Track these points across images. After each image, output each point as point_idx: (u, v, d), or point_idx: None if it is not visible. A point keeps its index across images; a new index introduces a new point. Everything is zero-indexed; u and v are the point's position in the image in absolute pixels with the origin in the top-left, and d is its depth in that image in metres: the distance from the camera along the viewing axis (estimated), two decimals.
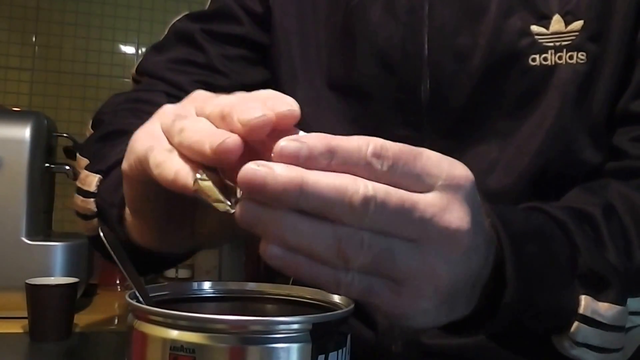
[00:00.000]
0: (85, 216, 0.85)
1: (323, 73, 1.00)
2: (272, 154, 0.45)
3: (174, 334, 0.48)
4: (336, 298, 0.59)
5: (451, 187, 0.49)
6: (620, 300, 0.68)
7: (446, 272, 0.50)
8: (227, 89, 0.55)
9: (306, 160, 0.44)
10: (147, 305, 0.52)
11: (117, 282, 1.95)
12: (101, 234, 0.57)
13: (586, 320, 0.66)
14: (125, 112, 0.96)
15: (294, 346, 0.47)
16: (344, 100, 0.98)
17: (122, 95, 1.03)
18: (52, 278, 1.39)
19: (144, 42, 2.64)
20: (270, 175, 0.43)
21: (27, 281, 1.30)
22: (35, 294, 1.30)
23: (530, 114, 0.89)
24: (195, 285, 0.64)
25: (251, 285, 0.65)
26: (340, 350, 0.51)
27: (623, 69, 0.87)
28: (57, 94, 2.54)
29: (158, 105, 0.57)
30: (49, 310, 1.29)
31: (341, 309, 0.55)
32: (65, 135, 1.81)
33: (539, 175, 0.88)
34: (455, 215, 0.49)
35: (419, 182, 0.48)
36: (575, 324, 0.66)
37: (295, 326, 0.48)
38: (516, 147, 0.89)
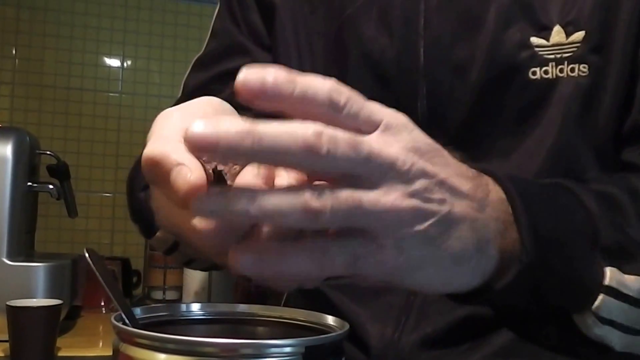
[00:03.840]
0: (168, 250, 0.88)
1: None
2: (235, 86, 0.47)
3: (162, 357, 0.48)
4: (330, 320, 0.60)
5: (395, 125, 0.52)
6: None
7: None
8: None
9: (272, 88, 0.46)
10: (133, 327, 0.52)
11: (102, 304, 1.96)
12: (86, 254, 0.58)
13: (612, 292, 0.66)
14: None
15: None
16: None
17: None
18: (34, 300, 1.40)
19: (129, 54, 2.65)
20: (223, 130, 0.45)
21: (8, 303, 1.31)
22: (16, 316, 1.31)
23: (531, 131, 0.89)
24: (184, 307, 0.64)
25: (242, 307, 0.65)
26: None
27: (628, 81, 0.86)
28: (39, 109, 2.54)
29: None
30: (30, 333, 1.31)
31: (335, 331, 0.56)
32: (48, 152, 1.82)
33: None
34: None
35: (366, 124, 0.51)
36: (600, 296, 0.66)
37: (288, 349, 0.48)
38: (516, 166, 0.89)
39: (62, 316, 1.45)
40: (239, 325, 0.64)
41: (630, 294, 0.67)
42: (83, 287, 1.84)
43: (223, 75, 1.09)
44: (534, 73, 0.87)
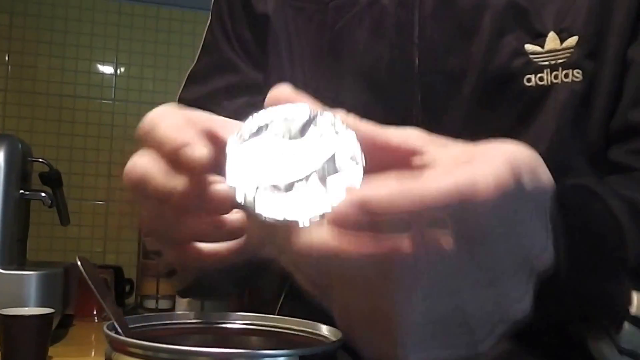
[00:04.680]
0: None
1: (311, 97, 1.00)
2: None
3: None
4: (324, 330, 0.59)
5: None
6: None
7: None
8: None
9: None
10: (126, 336, 0.52)
11: (95, 312, 1.96)
12: (78, 262, 0.58)
13: (636, 321, 0.62)
14: None
15: None
16: None
17: None
18: (26, 308, 1.40)
19: (122, 61, 2.66)
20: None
21: (0, 312, 1.31)
22: (8, 324, 1.31)
23: (525, 137, 0.84)
24: (177, 316, 0.64)
25: (235, 316, 0.65)
26: None
27: (620, 87, 0.86)
28: (31, 116, 2.55)
29: None
30: (22, 341, 1.31)
31: (329, 341, 0.56)
32: (40, 160, 1.82)
33: None
34: None
35: None
36: (626, 326, 0.62)
37: (282, 359, 0.48)
38: None
39: (54, 325, 1.45)
40: (232, 335, 0.64)
41: None
42: (75, 296, 1.84)
43: (214, 93, 1.08)
44: (529, 80, 0.86)
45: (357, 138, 0.48)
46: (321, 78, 0.99)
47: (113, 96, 2.63)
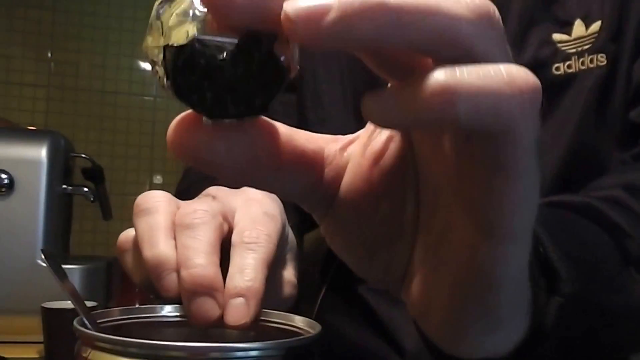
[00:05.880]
0: None
1: (348, 103, 1.01)
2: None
3: None
4: (300, 322, 0.58)
5: None
6: None
7: None
8: None
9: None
10: (95, 331, 0.51)
11: (137, 306, 1.98)
12: (42, 255, 0.58)
13: None
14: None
15: None
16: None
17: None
18: (69, 302, 1.41)
19: None
20: None
21: (43, 305, 1.33)
22: (51, 318, 1.32)
23: (551, 125, 0.88)
24: (158, 309, 0.63)
25: None
26: None
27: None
28: (74, 112, 2.58)
29: None
30: (65, 334, 1.31)
31: (308, 334, 0.55)
32: (83, 155, 1.84)
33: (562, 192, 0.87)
34: None
35: None
36: None
37: (256, 353, 0.46)
38: None
39: None
40: (208, 329, 0.59)
41: None
42: (118, 290, 1.85)
43: None
44: (558, 69, 0.87)
45: None
46: (358, 81, 0.99)
47: (154, 92, 2.65)
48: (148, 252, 0.58)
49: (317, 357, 0.52)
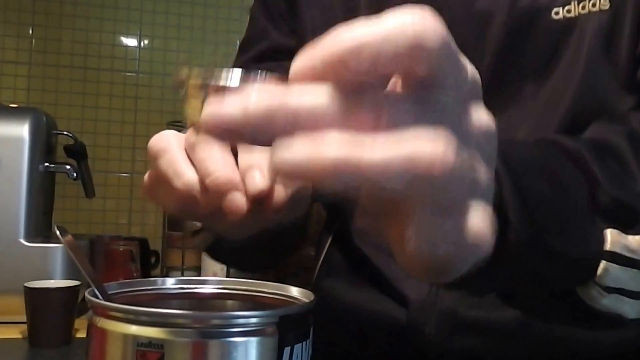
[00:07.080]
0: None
1: None
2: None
3: (133, 329, 0.51)
4: (295, 292, 0.63)
5: None
6: None
7: None
8: None
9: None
10: (106, 301, 0.55)
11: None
12: (57, 232, 0.61)
13: (615, 258, 0.62)
14: None
15: (259, 339, 0.51)
16: None
17: None
18: (52, 281, 1.40)
19: (146, 33, 2.66)
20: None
21: (25, 284, 1.32)
22: (34, 297, 1.32)
23: (557, 72, 0.87)
24: (155, 282, 0.68)
25: (212, 281, 0.69)
26: (304, 342, 0.55)
27: None
28: (56, 89, 2.56)
29: None
30: (48, 314, 1.31)
31: (302, 302, 0.60)
32: (65, 133, 1.83)
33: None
34: None
35: None
36: (603, 264, 0.61)
37: (255, 320, 0.51)
38: (544, 108, 0.88)
39: (79, 297, 1.45)
40: (209, 299, 0.68)
41: (637, 257, 0.62)
42: (101, 268, 1.84)
43: (246, 62, 1.14)
44: (557, 13, 0.86)
45: None
46: None
47: (137, 68, 2.63)
48: (178, 182, 0.64)
49: (312, 323, 0.57)
